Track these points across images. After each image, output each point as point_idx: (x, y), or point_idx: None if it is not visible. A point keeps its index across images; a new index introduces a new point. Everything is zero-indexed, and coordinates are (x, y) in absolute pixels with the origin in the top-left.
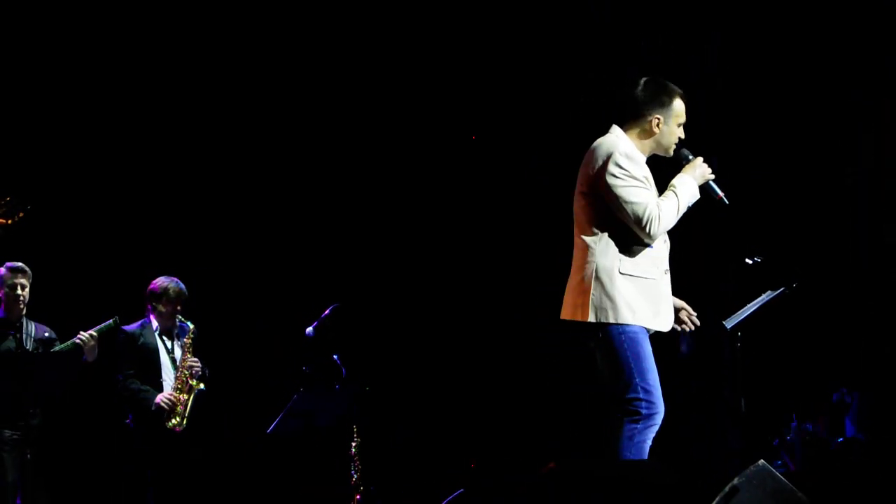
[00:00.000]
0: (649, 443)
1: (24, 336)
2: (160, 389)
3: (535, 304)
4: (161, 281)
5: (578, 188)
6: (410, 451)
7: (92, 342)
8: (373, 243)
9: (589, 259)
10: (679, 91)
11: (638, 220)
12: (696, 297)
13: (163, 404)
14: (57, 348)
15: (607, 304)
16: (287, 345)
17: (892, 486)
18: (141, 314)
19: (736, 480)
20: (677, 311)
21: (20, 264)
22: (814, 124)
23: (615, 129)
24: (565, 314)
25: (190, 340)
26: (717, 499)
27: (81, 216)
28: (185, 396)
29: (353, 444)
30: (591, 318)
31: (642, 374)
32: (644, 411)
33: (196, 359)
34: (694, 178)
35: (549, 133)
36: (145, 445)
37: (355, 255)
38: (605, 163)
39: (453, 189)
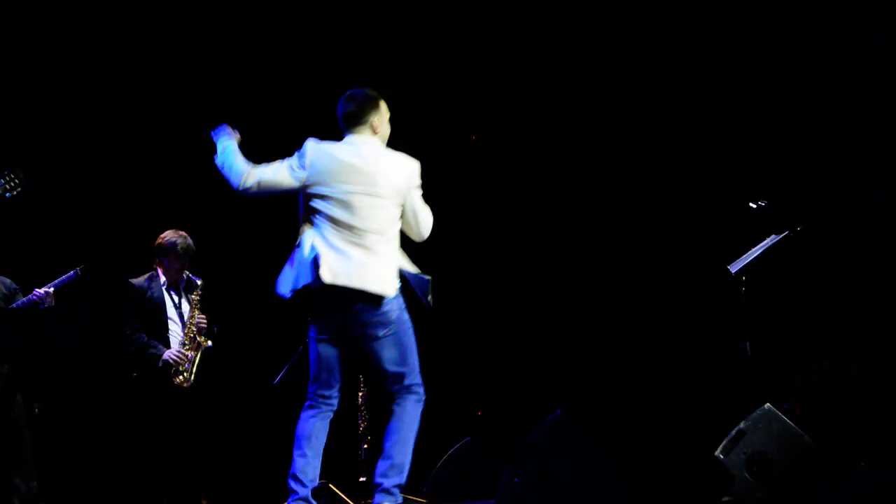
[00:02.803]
0: None
1: None
2: (166, 343)
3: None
4: (169, 235)
5: (385, 195)
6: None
7: (49, 299)
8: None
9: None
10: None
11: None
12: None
13: (170, 360)
14: (14, 305)
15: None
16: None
17: None
18: (149, 267)
19: (742, 424)
20: None
21: None
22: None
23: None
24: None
25: (198, 297)
26: (724, 442)
27: (96, 165)
28: (193, 353)
29: (360, 394)
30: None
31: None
32: (423, 393)
33: (204, 315)
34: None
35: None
36: (153, 400)
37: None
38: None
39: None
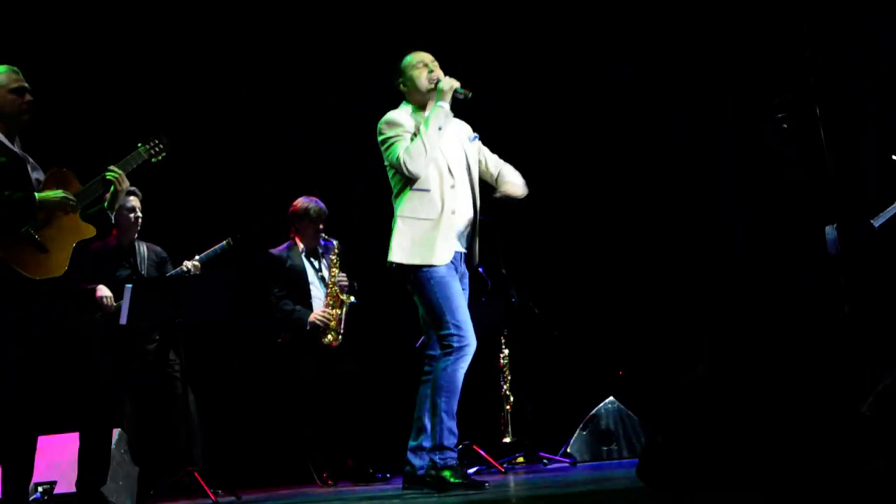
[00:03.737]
0: (462, 371)
1: (139, 260)
2: (310, 308)
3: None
4: (301, 201)
5: None
6: (558, 362)
7: (196, 271)
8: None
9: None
10: (408, 50)
11: (398, 168)
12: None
13: (318, 321)
14: (168, 274)
15: (402, 246)
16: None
17: None
18: (287, 237)
19: (888, 380)
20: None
21: (133, 188)
22: None
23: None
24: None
25: (336, 256)
26: (870, 399)
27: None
28: (338, 311)
29: (502, 356)
30: (396, 261)
31: (451, 311)
32: (456, 344)
33: (344, 274)
34: (442, 101)
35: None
36: (301, 363)
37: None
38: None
39: None
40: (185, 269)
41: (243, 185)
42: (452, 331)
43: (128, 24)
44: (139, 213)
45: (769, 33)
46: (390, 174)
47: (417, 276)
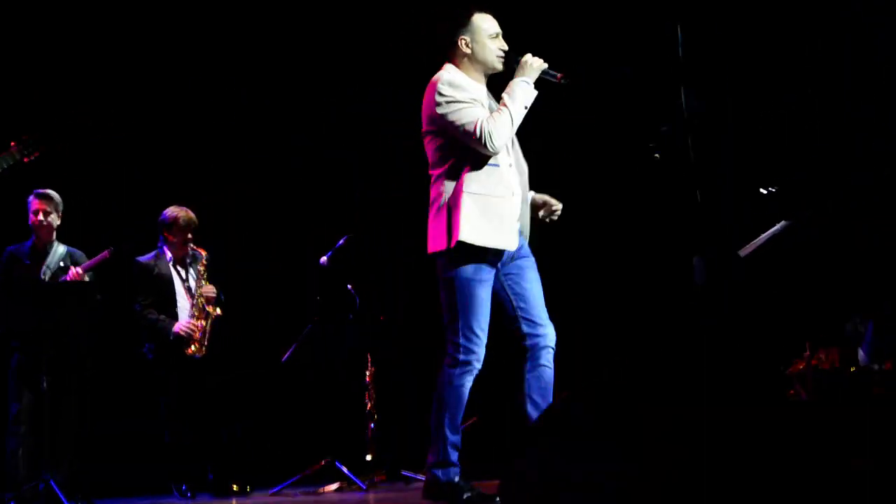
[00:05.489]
0: (468, 387)
1: (46, 263)
2: (176, 318)
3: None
4: (171, 210)
5: (422, 129)
6: (423, 381)
7: (82, 278)
8: (385, 174)
9: (439, 190)
10: (477, 7)
11: (475, 139)
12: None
13: (182, 332)
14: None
15: (452, 225)
16: (301, 274)
17: None
18: (154, 245)
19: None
20: (541, 206)
21: (45, 191)
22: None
23: (445, 65)
24: (429, 249)
25: (203, 268)
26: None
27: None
28: (203, 323)
29: (368, 374)
30: (444, 246)
31: (467, 318)
32: (461, 357)
33: (211, 285)
34: (525, 78)
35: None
36: (164, 373)
37: (369, 184)
38: (433, 96)
39: None
40: (70, 276)
41: (243, 186)
42: (461, 340)
43: (127, 25)
44: (43, 217)
45: (768, 33)
46: (438, 143)
47: (460, 265)
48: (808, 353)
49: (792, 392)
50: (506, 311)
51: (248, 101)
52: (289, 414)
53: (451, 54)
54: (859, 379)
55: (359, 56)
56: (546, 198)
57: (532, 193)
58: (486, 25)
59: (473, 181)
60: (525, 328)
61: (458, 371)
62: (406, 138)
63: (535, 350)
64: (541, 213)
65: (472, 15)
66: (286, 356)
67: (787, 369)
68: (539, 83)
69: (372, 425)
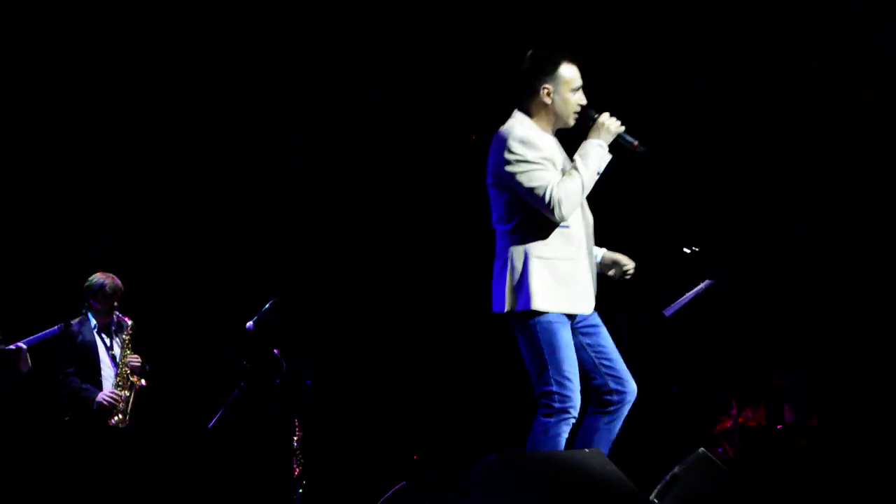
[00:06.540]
0: (565, 436)
1: None
2: (100, 387)
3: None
4: (97, 277)
5: (487, 181)
6: (353, 445)
7: (25, 355)
8: (312, 237)
9: (504, 247)
10: (566, 55)
11: (543, 205)
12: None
13: (104, 402)
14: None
15: (522, 291)
16: (227, 339)
17: (832, 470)
18: (78, 312)
19: (676, 469)
20: (611, 266)
21: None
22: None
23: (515, 114)
24: (493, 307)
25: (129, 336)
26: (659, 487)
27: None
28: (127, 393)
29: (295, 438)
30: (507, 308)
31: (556, 364)
32: (556, 405)
33: (136, 355)
34: (600, 140)
35: None
36: (86, 443)
37: (295, 249)
38: (502, 151)
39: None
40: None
41: (243, 186)
42: (554, 388)
43: (128, 24)
44: None
45: (768, 32)
46: (505, 199)
47: (536, 322)
48: (734, 410)
49: (720, 450)
50: (584, 367)
51: (247, 101)
52: (216, 480)
53: (524, 100)
54: (786, 435)
55: (359, 56)
56: (617, 256)
57: (602, 252)
58: (571, 76)
59: (542, 245)
60: (613, 385)
61: (554, 420)
62: (406, 138)
63: (621, 405)
64: (611, 272)
65: (559, 63)
66: (213, 422)
67: (714, 427)
68: (614, 146)
69: (300, 490)
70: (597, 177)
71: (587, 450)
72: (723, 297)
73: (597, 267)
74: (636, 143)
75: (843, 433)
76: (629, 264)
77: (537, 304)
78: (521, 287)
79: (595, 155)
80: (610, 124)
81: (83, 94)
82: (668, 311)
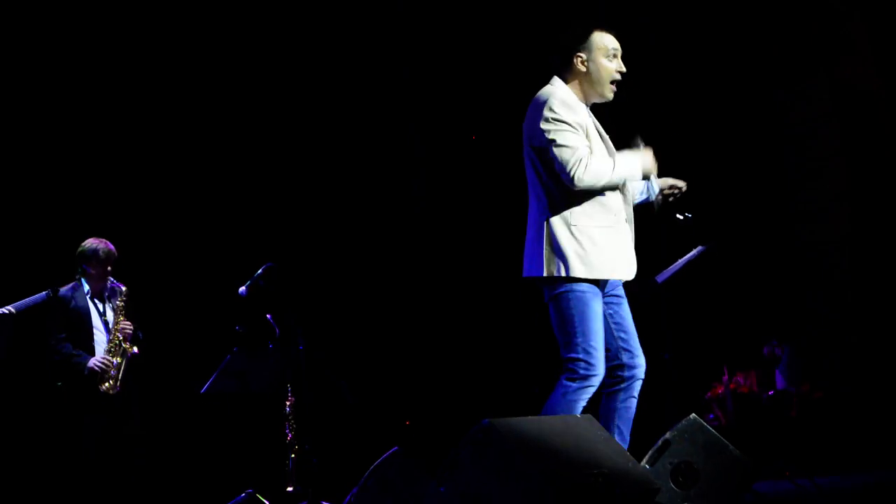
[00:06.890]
0: (583, 403)
1: None
2: (92, 353)
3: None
4: (90, 242)
5: (525, 145)
6: (345, 411)
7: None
8: (307, 202)
9: (541, 213)
10: (597, 24)
11: (564, 163)
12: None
13: (96, 368)
14: None
15: (559, 257)
16: (220, 304)
17: (823, 438)
18: (72, 277)
19: (668, 434)
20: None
21: None
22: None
23: (554, 80)
24: (525, 272)
25: (122, 303)
26: (650, 453)
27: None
28: (119, 359)
29: (288, 404)
30: (545, 273)
31: (586, 334)
32: (582, 371)
33: (129, 321)
34: (639, 162)
35: None
36: (78, 408)
37: (290, 212)
38: (540, 110)
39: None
40: (6, 311)
41: (243, 186)
42: (581, 356)
43: (127, 24)
44: None
45: (768, 33)
46: (542, 164)
47: (570, 289)
48: (726, 376)
49: (711, 416)
50: (605, 338)
51: (247, 100)
52: (208, 445)
53: (562, 69)
54: (777, 402)
55: (362, 56)
56: (671, 180)
57: (657, 180)
58: (603, 43)
59: (579, 213)
60: (625, 359)
61: (576, 385)
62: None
63: (632, 381)
64: (664, 192)
65: (591, 31)
66: (206, 387)
67: (705, 393)
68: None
69: (293, 456)
70: (619, 182)
71: (579, 415)
72: (719, 262)
73: (658, 197)
74: (681, 217)
75: (834, 399)
76: (681, 184)
77: (573, 271)
78: (556, 254)
79: (632, 165)
80: (649, 165)
81: (81, 94)
82: (660, 278)
